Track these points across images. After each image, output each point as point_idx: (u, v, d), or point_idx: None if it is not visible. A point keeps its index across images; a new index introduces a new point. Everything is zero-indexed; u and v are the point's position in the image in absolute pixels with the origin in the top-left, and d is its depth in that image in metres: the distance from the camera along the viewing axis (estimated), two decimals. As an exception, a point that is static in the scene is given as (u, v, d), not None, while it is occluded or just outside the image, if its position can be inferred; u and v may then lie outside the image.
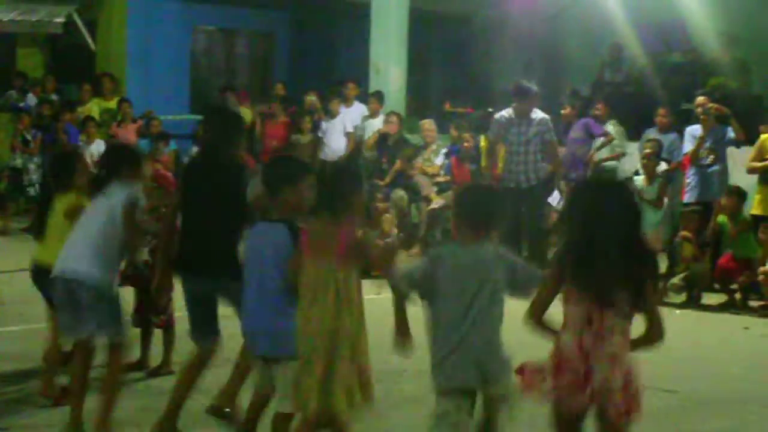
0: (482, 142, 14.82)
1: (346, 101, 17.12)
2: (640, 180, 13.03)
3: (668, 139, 14.10)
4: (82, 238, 6.55)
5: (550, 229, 13.22)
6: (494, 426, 5.41)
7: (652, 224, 12.58)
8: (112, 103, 17.55)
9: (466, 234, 5.43)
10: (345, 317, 5.55)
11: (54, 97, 18.23)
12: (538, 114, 13.04)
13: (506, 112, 13.09)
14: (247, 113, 18.22)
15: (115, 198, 6.59)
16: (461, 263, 5.34)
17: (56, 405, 7.14)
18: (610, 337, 4.95)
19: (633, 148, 14.75)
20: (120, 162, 6.83)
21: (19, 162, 16.42)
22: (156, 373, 8.35)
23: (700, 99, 13.54)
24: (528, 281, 5.38)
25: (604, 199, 5.14)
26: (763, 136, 12.59)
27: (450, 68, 20.91)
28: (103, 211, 6.59)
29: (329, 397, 5.52)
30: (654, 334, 5.15)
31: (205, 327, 6.75)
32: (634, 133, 15.11)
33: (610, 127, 15.06)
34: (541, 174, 13.03)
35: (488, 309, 5.30)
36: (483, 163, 14.48)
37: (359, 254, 5.62)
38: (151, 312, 8.50)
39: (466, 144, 15.05)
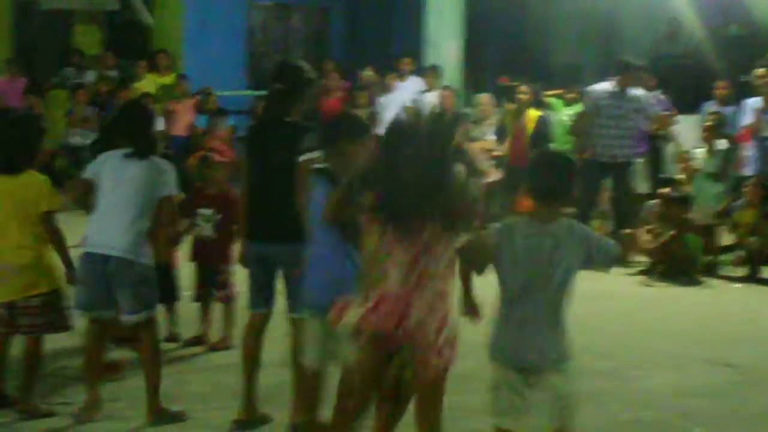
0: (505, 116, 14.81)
1: (402, 76, 17.11)
2: (700, 153, 12.94)
3: (727, 111, 13.98)
4: (114, 211, 6.57)
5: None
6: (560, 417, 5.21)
7: (713, 197, 12.53)
8: (169, 79, 17.61)
9: (538, 206, 5.26)
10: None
11: (114, 73, 18.32)
12: (638, 91, 12.95)
13: (603, 86, 13.00)
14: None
15: (143, 169, 6.61)
16: (532, 238, 5.19)
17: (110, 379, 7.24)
18: (430, 281, 5.06)
19: (692, 121, 14.60)
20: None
21: (78, 140, 16.54)
22: (216, 348, 8.43)
23: (760, 71, 13.39)
24: (605, 256, 5.27)
25: (406, 139, 5.21)
26: None
27: (507, 42, 20.82)
28: (134, 182, 6.58)
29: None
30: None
31: (265, 292, 6.75)
32: (692, 106, 14.96)
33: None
34: (631, 151, 12.99)
35: (556, 287, 5.18)
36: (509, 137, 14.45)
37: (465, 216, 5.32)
38: (212, 287, 8.58)
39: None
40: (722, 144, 12.83)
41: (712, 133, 12.87)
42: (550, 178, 5.29)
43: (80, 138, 16.53)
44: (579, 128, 13.55)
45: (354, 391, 5.40)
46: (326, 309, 5.46)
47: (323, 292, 5.72)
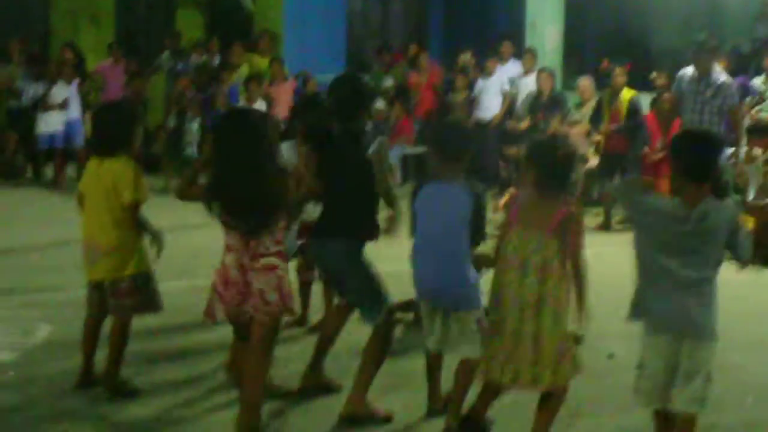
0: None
1: (502, 59, 17.05)
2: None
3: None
4: None
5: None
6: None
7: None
8: (263, 63, 17.65)
9: (683, 186, 5.32)
10: (546, 289, 5.67)
11: (217, 59, 18.46)
12: (720, 76, 12.63)
13: (689, 69, 12.73)
14: (400, 72, 18.33)
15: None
16: (674, 217, 5.29)
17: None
18: (262, 257, 5.81)
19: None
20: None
21: (173, 122, 16.70)
22: (315, 328, 8.47)
23: None
24: (746, 245, 5.41)
25: (228, 127, 5.85)
26: None
27: (607, 26, 20.61)
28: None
29: (515, 369, 5.74)
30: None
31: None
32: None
33: (759, 82, 14.68)
34: None
35: (704, 267, 5.30)
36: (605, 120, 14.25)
37: (569, 233, 5.71)
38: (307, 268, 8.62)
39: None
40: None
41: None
42: (699, 156, 5.34)
43: (176, 121, 16.66)
44: (663, 113, 13.35)
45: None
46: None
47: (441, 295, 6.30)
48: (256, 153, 5.75)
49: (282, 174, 5.90)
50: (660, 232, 5.34)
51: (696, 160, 5.33)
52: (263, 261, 5.84)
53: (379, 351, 6.52)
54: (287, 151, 7.44)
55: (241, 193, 5.75)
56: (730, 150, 12.51)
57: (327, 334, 7.04)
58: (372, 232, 6.66)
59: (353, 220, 6.57)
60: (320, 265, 7.15)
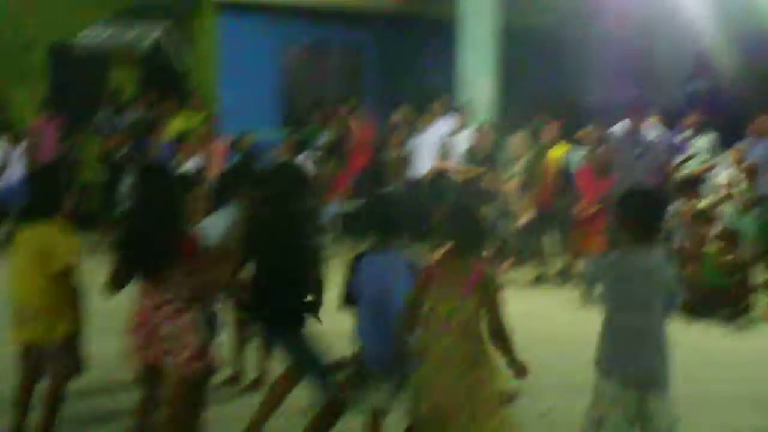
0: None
1: (435, 116, 17.13)
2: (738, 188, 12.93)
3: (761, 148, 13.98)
4: None
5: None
6: None
7: (752, 234, 12.48)
8: (197, 119, 17.56)
9: (632, 242, 5.52)
10: (467, 346, 5.73)
11: (151, 114, 18.38)
12: (649, 134, 12.79)
13: (621, 126, 12.88)
14: (335, 128, 18.35)
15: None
16: (630, 273, 5.48)
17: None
18: (164, 305, 6.00)
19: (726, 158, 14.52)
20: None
21: (107, 178, 16.59)
22: (251, 387, 8.42)
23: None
24: (671, 302, 5.60)
25: (141, 182, 6.34)
26: None
27: (540, 82, 20.82)
28: None
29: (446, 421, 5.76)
30: None
31: None
32: (729, 141, 14.85)
33: (701, 141, 14.89)
34: None
35: (658, 318, 5.47)
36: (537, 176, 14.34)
37: (486, 292, 5.78)
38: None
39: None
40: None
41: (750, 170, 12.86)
42: (649, 214, 5.56)
43: (109, 177, 16.53)
44: (596, 168, 13.51)
45: None
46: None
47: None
48: (161, 208, 5.96)
49: (180, 231, 6.01)
50: (619, 288, 5.47)
51: (646, 217, 5.52)
52: (166, 309, 5.83)
53: (324, 427, 6.56)
54: (221, 219, 7.40)
55: (143, 239, 6.00)
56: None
57: (274, 397, 6.99)
58: (300, 313, 6.71)
59: (282, 301, 6.64)
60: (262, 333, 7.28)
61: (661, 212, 5.72)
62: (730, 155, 14.03)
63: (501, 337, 5.82)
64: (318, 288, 6.85)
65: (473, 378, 5.74)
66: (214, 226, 7.19)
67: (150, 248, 6.02)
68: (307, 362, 6.76)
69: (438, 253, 5.97)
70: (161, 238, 5.95)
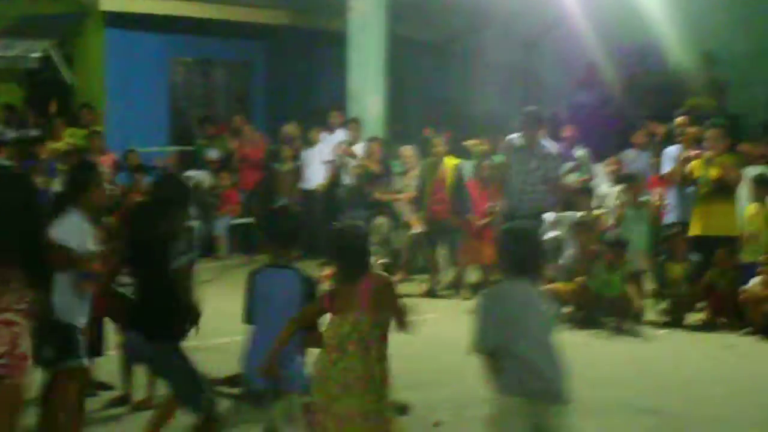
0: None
1: (331, 129, 17.15)
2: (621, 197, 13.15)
3: (643, 158, 14.30)
4: None
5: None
6: None
7: (639, 243, 12.68)
8: (83, 135, 17.34)
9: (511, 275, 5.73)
10: (368, 367, 5.75)
11: (35, 131, 18.10)
12: (546, 147, 12.87)
13: (516, 138, 12.92)
14: (224, 143, 18.27)
15: None
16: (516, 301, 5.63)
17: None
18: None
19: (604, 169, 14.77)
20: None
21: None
22: (139, 407, 8.32)
23: (679, 120, 13.54)
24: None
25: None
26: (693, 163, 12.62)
27: (428, 94, 20.96)
28: None
29: None
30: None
31: None
32: (612, 153, 15.09)
33: (580, 152, 15.12)
34: (534, 208, 12.69)
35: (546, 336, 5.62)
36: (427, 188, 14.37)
37: (384, 305, 5.84)
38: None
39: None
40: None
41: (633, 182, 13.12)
42: (525, 251, 5.73)
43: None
44: (495, 179, 13.60)
45: None
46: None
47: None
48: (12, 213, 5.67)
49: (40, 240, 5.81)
50: (505, 319, 5.63)
51: (521, 255, 5.71)
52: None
53: None
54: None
55: None
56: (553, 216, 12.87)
57: (161, 417, 6.93)
58: (172, 331, 6.70)
59: (154, 319, 6.60)
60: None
61: (533, 249, 5.87)
62: (607, 166, 14.31)
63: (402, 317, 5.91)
64: (186, 302, 6.84)
65: (371, 403, 5.75)
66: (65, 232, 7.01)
67: None
68: (178, 379, 6.69)
69: (329, 275, 6.01)
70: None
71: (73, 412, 6.92)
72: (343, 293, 5.86)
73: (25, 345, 5.70)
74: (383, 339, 5.83)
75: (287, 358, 6.19)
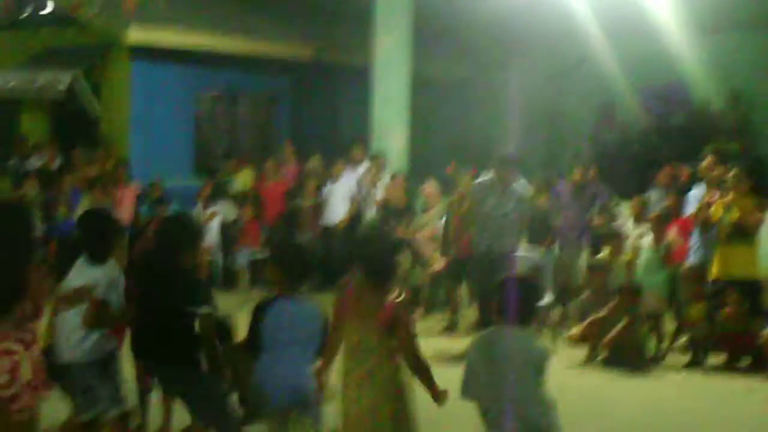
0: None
1: (354, 163, 17.08)
2: (645, 240, 13.04)
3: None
4: None
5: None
6: None
7: (657, 284, 12.59)
8: (107, 166, 17.37)
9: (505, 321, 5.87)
10: (381, 380, 5.88)
11: (57, 163, 18.15)
12: (520, 188, 12.75)
13: (488, 179, 12.88)
14: (248, 176, 18.26)
15: None
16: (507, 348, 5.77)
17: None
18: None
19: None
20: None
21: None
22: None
23: (705, 162, 13.45)
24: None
25: None
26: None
27: (453, 130, 20.95)
28: None
29: None
30: None
31: None
32: (636, 192, 15.01)
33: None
34: (510, 247, 12.61)
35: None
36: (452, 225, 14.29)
37: (398, 326, 5.92)
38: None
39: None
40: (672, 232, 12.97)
41: (657, 220, 13.01)
42: (517, 302, 5.84)
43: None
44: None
45: None
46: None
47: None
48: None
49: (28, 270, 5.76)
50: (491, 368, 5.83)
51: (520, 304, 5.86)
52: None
53: None
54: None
55: None
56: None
57: None
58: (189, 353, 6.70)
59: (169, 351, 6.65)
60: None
61: (531, 300, 6.03)
62: (630, 207, 14.22)
63: (419, 369, 5.96)
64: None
65: (392, 405, 5.86)
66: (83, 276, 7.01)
67: None
68: (212, 415, 6.68)
69: (350, 283, 6.03)
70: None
71: None
72: (366, 301, 5.91)
73: (28, 374, 5.69)
74: (392, 357, 5.90)
75: (308, 383, 6.21)
